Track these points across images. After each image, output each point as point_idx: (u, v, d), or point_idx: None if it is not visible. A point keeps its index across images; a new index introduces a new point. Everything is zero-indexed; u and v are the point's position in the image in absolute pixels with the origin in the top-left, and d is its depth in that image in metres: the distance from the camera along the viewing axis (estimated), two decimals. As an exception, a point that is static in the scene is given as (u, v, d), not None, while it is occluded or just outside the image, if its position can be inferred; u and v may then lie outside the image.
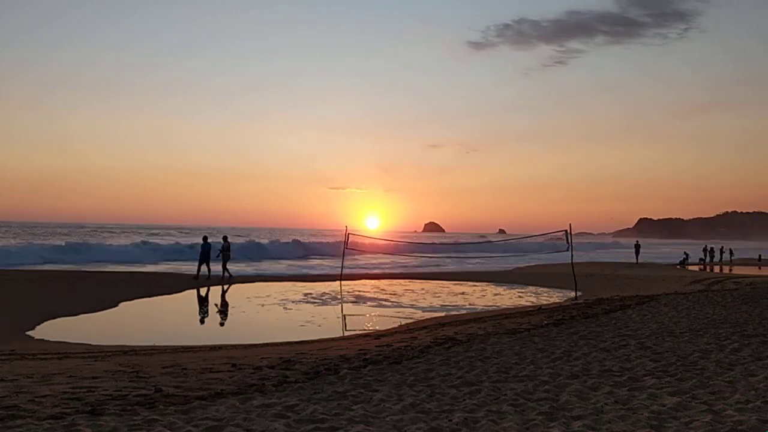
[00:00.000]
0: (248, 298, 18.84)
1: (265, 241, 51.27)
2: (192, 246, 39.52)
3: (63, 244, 40.22)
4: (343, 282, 25.19)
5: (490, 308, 17.57)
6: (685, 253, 46.95)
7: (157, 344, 11.03)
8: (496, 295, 21.47)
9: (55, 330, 12.52)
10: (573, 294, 21.01)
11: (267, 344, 11.02)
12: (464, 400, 6.00)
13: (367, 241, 44.37)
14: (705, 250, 47.28)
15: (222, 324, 13.62)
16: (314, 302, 18.07)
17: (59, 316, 14.16)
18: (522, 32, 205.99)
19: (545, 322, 11.92)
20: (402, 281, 26.25)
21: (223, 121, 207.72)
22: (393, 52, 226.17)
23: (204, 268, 24.17)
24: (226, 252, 24.95)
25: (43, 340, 11.51)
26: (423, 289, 22.88)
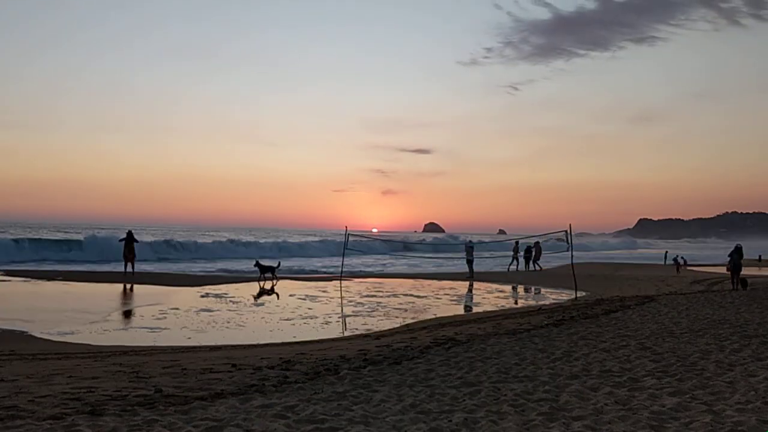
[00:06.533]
0: (247, 297, 18.84)
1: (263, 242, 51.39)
2: None
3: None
4: (343, 281, 25.20)
5: (490, 308, 17.57)
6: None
7: (156, 344, 11.04)
8: (496, 295, 21.47)
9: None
10: (573, 294, 21.01)
11: (267, 344, 11.01)
12: (464, 400, 6.00)
13: (367, 240, 44.36)
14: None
15: (221, 324, 13.61)
16: (314, 302, 18.06)
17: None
18: (505, 54, 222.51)
19: (545, 322, 11.91)
20: (401, 281, 26.24)
21: (244, 138, 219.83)
22: (391, 69, 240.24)
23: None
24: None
25: (42, 339, 11.52)
26: (423, 288, 22.87)
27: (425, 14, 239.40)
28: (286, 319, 14.54)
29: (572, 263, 22.74)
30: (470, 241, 30.17)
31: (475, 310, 17.43)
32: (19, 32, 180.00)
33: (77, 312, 14.99)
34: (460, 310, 17.28)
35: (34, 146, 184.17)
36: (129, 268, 25.21)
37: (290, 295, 19.66)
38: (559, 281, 26.18)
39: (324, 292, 21.10)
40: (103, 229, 79.51)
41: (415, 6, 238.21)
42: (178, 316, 14.59)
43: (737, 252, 21.14)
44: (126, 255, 25.76)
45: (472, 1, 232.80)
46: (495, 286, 24.78)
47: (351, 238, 29.64)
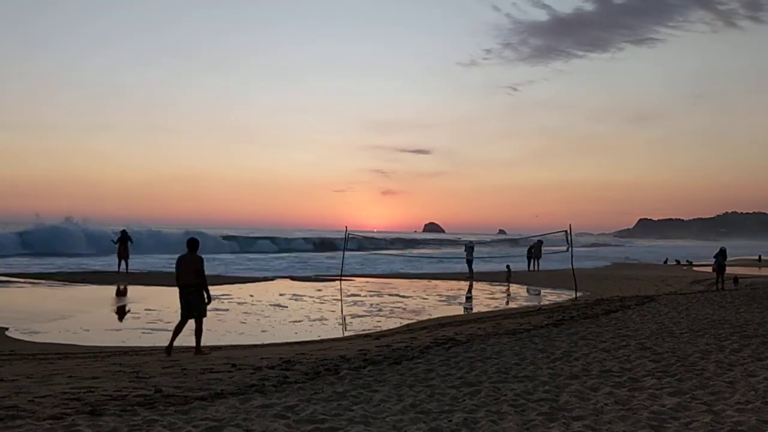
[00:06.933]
0: (248, 298, 18.83)
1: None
2: None
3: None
4: (343, 282, 25.18)
5: (490, 308, 17.58)
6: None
7: (156, 344, 11.03)
8: (496, 295, 21.46)
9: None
10: (573, 294, 21.00)
11: (267, 345, 11.02)
12: (464, 400, 6.00)
13: (367, 241, 44.36)
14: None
15: (221, 324, 13.61)
16: (314, 302, 18.06)
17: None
18: (504, 55, 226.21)
19: (545, 322, 11.91)
20: (401, 281, 26.23)
21: (250, 142, 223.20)
22: (392, 69, 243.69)
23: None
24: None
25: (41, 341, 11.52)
26: (423, 289, 22.87)
27: (425, 15, 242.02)
28: (286, 320, 14.54)
29: (572, 263, 22.73)
30: (470, 242, 30.18)
31: (475, 310, 17.43)
32: (9, 33, 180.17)
33: (76, 312, 14.98)
34: (460, 310, 17.28)
35: (24, 146, 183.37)
36: (122, 267, 25.23)
37: (289, 296, 19.65)
38: (559, 281, 26.17)
39: (324, 292, 21.10)
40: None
41: (415, 7, 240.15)
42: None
43: (721, 254, 22.73)
44: (120, 254, 25.77)
45: (472, 3, 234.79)
46: (495, 286, 24.78)
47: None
